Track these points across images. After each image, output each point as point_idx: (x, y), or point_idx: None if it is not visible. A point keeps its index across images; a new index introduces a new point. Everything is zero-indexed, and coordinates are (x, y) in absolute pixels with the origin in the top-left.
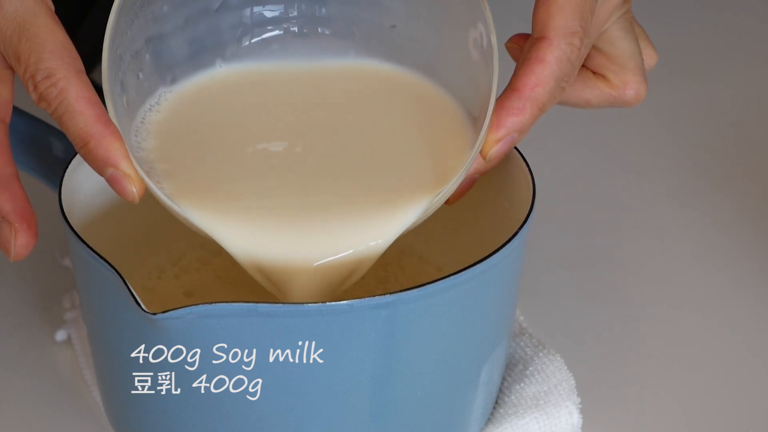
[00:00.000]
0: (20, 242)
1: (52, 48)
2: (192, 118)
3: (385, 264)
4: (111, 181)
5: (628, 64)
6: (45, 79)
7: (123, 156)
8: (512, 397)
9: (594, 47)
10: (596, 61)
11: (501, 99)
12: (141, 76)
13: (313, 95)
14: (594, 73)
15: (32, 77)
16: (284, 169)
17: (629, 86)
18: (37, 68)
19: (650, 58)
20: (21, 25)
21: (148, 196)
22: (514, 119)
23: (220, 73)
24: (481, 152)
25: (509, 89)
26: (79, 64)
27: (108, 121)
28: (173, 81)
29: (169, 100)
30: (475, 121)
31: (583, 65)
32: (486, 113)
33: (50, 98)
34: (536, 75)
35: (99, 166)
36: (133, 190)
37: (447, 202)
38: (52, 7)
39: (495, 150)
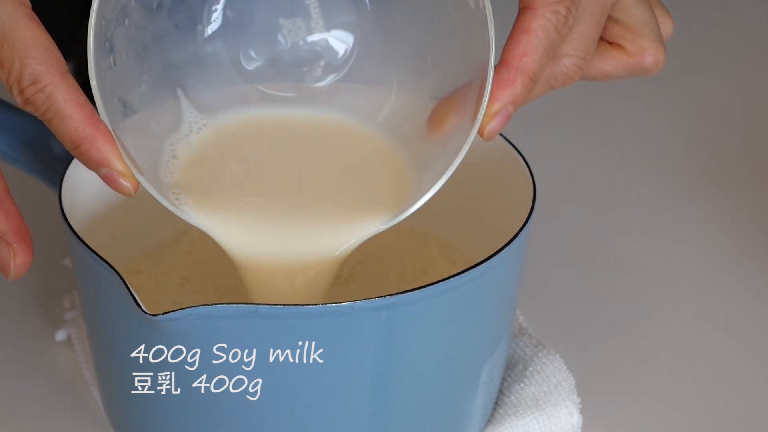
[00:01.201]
0: (18, 262)
1: (36, 53)
2: (215, 152)
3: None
4: (105, 179)
5: (644, 30)
6: (31, 85)
7: (115, 156)
8: (512, 398)
9: (609, 17)
10: (612, 31)
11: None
12: (127, 22)
13: (301, 143)
14: (610, 43)
15: (18, 83)
16: (275, 194)
17: (647, 53)
18: (22, 74)
19: (666, 25)
20: (2, 31)
21: (147, 199)
22: (505, 91)
23: (244, 113)
24: (479, 130)
25: (499, 62)
26: (64, 66)
27: (98, 122)
28: (159, 6)
29: (203, 133)
30: (469, 85)
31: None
32: (485, 82)
33: (38, 103)
34: (522, 45)
35: (92, 166)
36: (128, 185)
37: None
38: (29, 5)
39: (492, 125)
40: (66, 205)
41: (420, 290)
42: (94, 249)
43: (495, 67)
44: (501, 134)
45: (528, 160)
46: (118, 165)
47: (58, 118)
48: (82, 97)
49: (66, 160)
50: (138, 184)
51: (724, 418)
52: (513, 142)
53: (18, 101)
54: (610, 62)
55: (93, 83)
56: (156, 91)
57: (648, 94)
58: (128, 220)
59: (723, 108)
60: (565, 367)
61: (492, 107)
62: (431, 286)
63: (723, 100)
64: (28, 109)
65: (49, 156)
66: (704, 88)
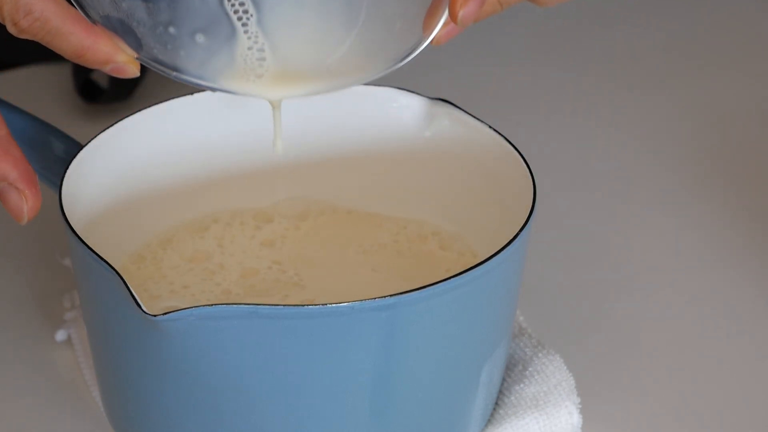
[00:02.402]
0: (30, 206)
1: None
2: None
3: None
4: (113, 71)
5: None
6: (26, 16)
7: (116, 51)
8: (512, 398)
9: None
10: None
11: None
12: None
13: None
14: None
15: (11, 16)
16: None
17: None
18: (16, 8)
19: None
20: None
21: (147, 200)
22: None
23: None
24: (450, 13)
25: None
26: None
27: (94, 29)
28: None
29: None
30: None
31: None
32: None
33: (35, 30)
34: None
35: (98, 66)
36: (134, 68)
37: (434, 42)
38: None
39: (465, 11)
40: (66, 205)
41: (420, 290)
42: (94, 249)
43: None
44: (501, 134)
45: (528, 160)
46: (120, 57)
47: (59, 38)
48: (74, 11)
49: (66, 160)
50: (139, 66)
51: (724, 418)
52: (513, 142)
53: (12, 32)
54: None
55: None
56: None
57: (648, 94)
58: (128, 220)
59: (724, 108)
60: (565, 367)
61: None
62: (431, 287)
63: (724, 100)
64: (25, 36)
65: (49, 156)
66: (705, 89)
